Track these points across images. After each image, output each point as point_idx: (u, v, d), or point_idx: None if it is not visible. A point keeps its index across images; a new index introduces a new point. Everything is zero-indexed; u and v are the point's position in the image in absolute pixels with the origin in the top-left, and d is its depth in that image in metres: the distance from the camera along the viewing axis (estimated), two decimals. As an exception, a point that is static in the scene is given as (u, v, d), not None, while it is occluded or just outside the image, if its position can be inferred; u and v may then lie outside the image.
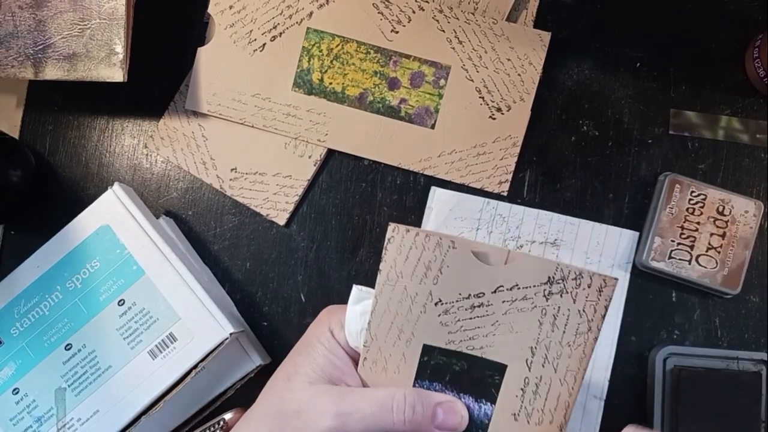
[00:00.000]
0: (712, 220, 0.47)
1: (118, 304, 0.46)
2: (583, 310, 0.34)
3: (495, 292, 0.34)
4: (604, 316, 0.33)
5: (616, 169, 0.49)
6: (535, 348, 0.34)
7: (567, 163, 0.50)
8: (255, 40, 0.50)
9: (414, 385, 0.35)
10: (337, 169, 0.51)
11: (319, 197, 0.51)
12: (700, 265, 0.47)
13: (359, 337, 0.36)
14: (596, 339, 0.34)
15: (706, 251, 0.47)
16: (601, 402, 0.47)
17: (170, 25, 0.52)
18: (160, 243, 0.46)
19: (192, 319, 0.44)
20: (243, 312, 0.50)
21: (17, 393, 0.45)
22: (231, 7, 0.50)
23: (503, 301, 0.34)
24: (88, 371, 0.45)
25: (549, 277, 0.34)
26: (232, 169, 0.51)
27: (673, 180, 0.47)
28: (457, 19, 0.49)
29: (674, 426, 0.44)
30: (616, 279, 0.33)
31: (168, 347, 0.44)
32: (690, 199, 0.47)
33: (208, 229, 0.52)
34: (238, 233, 0.51)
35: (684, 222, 0.47)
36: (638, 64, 0.50)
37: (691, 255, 0.47)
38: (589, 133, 0.50)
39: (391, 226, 0.34)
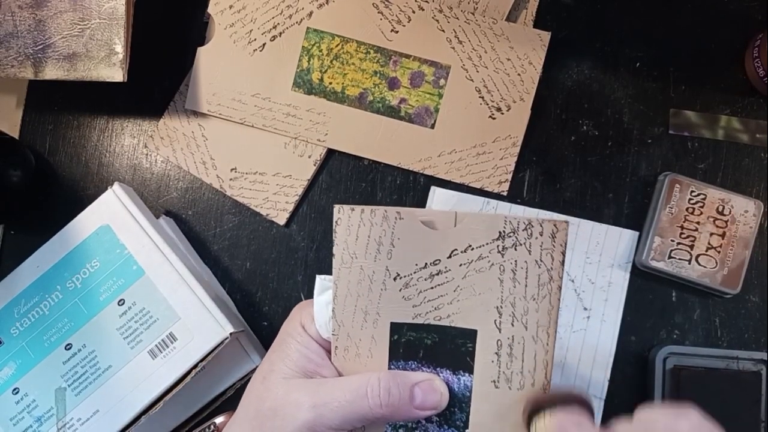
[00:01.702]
0: (711, 219, 0.47)
1: (118, 304, 0.46)
2: (541, 260, 0.33)
3: (450, 256, 0.33)
4: (563, 263, 0.33)
5: (616, 169, 0.49)
6: (501, 307, 0.33)
7: (567, 163, 0.50)
8: (255, 39, 0.50)
9: (390, 367, 0.34)
10: (337, 168, 0.51)
11: (319, 197, 0.51)
12: (699, 264, 0.47)
13: (329, 327, 0.36)
14: (560, 288, 0.33)
15: (706, 251, 0.47)
16: (601, 402, 0.47)
17: (170, 25, 0.52)
18: (160, 243, 0.46)
19: (192, 318, 0.44)
20: (243, 312, 0.50)
21: (17, 393, 0.45)
22: (231, 7, 0.50)
23: (460, 265, 0.33)
24: (88, 371, 0.45)
25: (500, 232, 0.33)
26: (232, 169, 0.51)
27: (672, 180, 0.47)
28: (457, 18, 0.49)
29: (674, 426, 0.45)
30: (567, 222, 0.32)
31: (168, 347, 0.44)
32: (690, 199, 0.47)
33: (208, 228, 0.52)
34: (238, 233, 0.51)
35: (684, 222, 0.47)
36: (638, 64, 0.50)
37: (691, 255, 0.47)
38: (589, 133, 0.50)
39: (336, 207, 0.34)
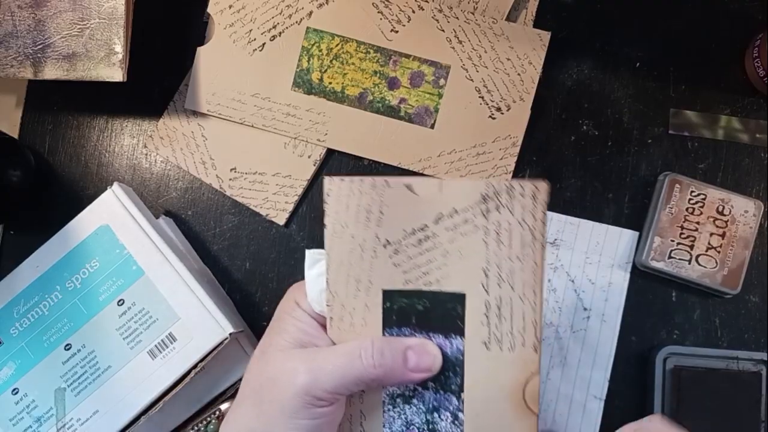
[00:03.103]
0: (711, 219, 0.47)
1: (118, 304, 0.46)
2: (524, 220, 0.33)
3: (437, 222, 0.34)
4: (545, 222, 0.33)
5: (616, 169, 0.49)
6: (487, 269, 0.34)
7: (567, 163, 0.50)
8: (254, 39, 0.50)
9: (384, 335, 0.35)
10: (336, 169, 0.51)
11: (319, 197, 0.51)
12: (699, 264, 0.47)
13: (322, 299, 0.36)
14: (543, 246, 0.33)
15: (706, 251, 0.47)
16: (601, 402, 0.47)
17: (170, 25, 0.52)
18: (160, 243, 0.46)
19: (191, 319, 0.44)
20: (242, 312, 0.50)
21: (17, 393, 0.45)
22: (230, 7, 0.50)
23: (446, 229, 0.34)
24: (88, 371, 0.45)
25: (483, 195, 0.33)
26: (231, 169, 0.51)
27: (672, 180, 0.47)
28: (457, 18, 0.49)
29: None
30: (548, 182, 0.33)
31: (167, 347, 0.44)
32: (690, 199, 0.47)
33: (208, 229, 0.52)
34: (237, 233, 0.51)
35: (684, 222, 0.47)
36: (638, 64, 0.50)
37: (691, 255, 0.47)
38: (589, 133, 0.50)
39: (326, 179, 0.34)
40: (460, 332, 0.34)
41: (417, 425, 0.36)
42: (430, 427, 0.35)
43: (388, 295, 0.35)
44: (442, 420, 0.35)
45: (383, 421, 0.36)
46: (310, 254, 0.37)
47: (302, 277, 0.50)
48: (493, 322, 0.34)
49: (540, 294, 0.34)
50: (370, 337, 0.35)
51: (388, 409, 0.36)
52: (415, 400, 0.35)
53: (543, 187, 0.33)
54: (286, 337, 0.36)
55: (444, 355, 0.35)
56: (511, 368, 0.34)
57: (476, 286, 0.34)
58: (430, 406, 0.35)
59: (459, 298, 0.34)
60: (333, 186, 0.34)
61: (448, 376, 0.35)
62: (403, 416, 0.36)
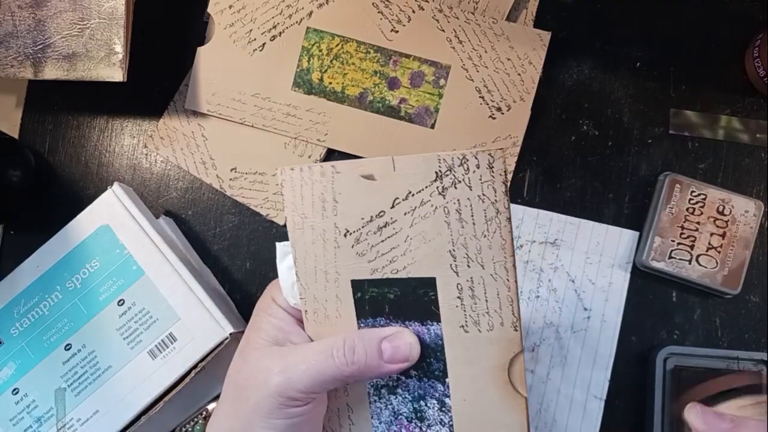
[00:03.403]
0: (712, 219, 0.47)
1: (118, 304, 0.46)
2: (483, 194, 0.31)
3: (393, 206, 0.32)
4: (506, 193, 0.31)
5: (616, 169, 0.49)
6: (454, 250, 0.32)
7: (567, 163, 0.50)
8: (255, 39, 0.50)
9: (359, 326, 0.34)
10: (336, 168, 0.51)
11: (319, 197, 0.51)
12: (700, 265, 0.46)
13: (295, 292, 0.36)
14: (509, 219, 0.31)
15: (707, 251, 0.47)
16: (601, 402, 0.47)
17: (170, 25, 0.52)
18: (160, 243, 0.46)
19: (192, 319, 0.44)
20: (243, 312, 0.50)
21: (17, 393, 0.45)
22: (231, 7, 0.50)
23: (405, 213, 0.32)
24: (88, 371, 0.45)
25: (436, 172, 0.31)
26: (231, 169, 0.51)
27: (673, 180, 0.47)
28: (457, 18, 0.49)
29: (674, 426, 0.45)
30: (502, 149, 0.31)
31: (168, 347, 0.44)
32: (690, 199, 0.47)
33: (208, 229, 0.52)
34: (237, 233, 0.51)
35: (684, 222, 0.47)
36: (638, 64, 0.50)
37: (692, 255, 0.47)
38: (589, 133, 0.50)
39: (278, 169, 0.34)
40: (437, 318, 0.33)
41: (405, 414, 0.35)
42: (419, 415, 0.35)
43: (357, 285, 0.34)
44: (429, 408, 0.34)
45: (371, 413, 0.35)
46: (280, 247, 0.37)
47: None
48: (468, 304, 0.33)
49: (512, 270, 0.32)
50: (342, 334, 0.34)
51: (374, 401, 0.35)
52: (399, 390, 0.35)
53: (498, 154, 0.31)
54: (261, 334, 0.35)
55: (423, 342, 0.34)
56: (493, 350, 0.33)
57: (445, 269, 0.33)
58: (416, 394, 0.35)
59: (430, 283, 0.33)
60: (285, 176, 0.34)
61: (430, 363, 0.34)
62: (390, 407, 0.35)
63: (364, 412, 0.35)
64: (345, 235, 0.33)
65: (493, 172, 0.31)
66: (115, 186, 0.48)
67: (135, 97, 0.52)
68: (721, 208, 0.47)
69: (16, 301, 0.47)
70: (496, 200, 0.31)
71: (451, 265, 0.32)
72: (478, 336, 0.33)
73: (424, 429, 0.35)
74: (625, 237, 0.48)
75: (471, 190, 0.31)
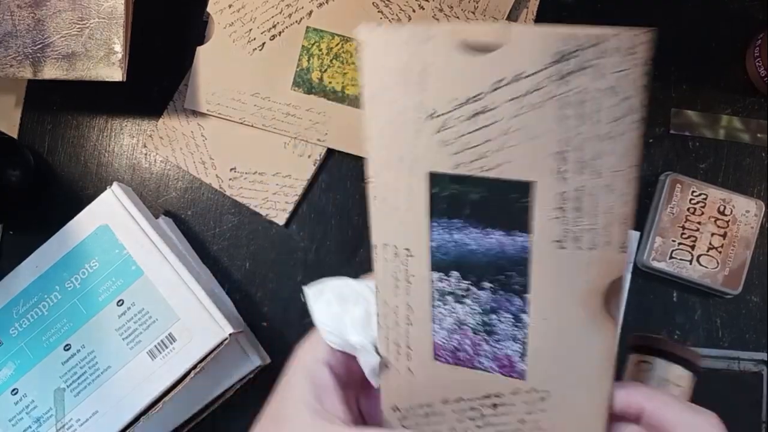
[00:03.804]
0: (713, 219, 0.47)
1: (117, 305, 0.45)
2: (617, 86, 0.26)
3: (496, 89, 0.27)
4: (645, 87, 0.25)
5: (617, 169, 0.49)
6: (566, 152, 0.27)
7: (567, 163, 0.50)
8: (254, 39, 0.50)
9: (432, 226, 0.30)
10: (336, 168, 0.51)
11: (319, 197, 0.51)
12: (701, 265, 0.46)
13: (338, 328, 0.33)
14: (643, 120, 0.26)
15: (707, 251, 0.46)
16: (601, 402, 0.47)
17: (169, 24, 0.52)
18: (159, 243, 0.46)
19: (191, 319, 0.44)
20: (242, 312, 0.50)
21: (16, 393, 0.45)
22: (230, 6, 0.50)
23: (509, 100, 0.27)
24: (87, 372, 0.45)
25: (560, 52, 0.25)
26: (231, 169, 0.51)
27: (673, 180, 0.47)
28: (458, 18, 0.49)
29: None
30: (650, 31, 0.25)
31: (167, 348, 0.44)
32: (691, 199, 0.47)
33: (208, 229, 0.51)
34: (237, 233, 0.51)
35: (685, 222, 0.47)
36: (639, 64, 0.50)
37: (692, 255, 0.46)
38: (590, 133, 0.50)
39: (361, 26, 0.28)
40: (526, 228, 0.28)
41: (471, 326, 0.31)
42: (487, 328, 0.31)
43: (436, 179, 0.29)
44: (501, 321, 0.30)
45: (432, 317, 0.31)
46: (309, 290, 0.34)
47: (302, 278, 0.50)
48: (571, 217, 0.28)
49: (634, 183, 0.27)
50: None
51: (438, 305, 0.31)
52: (468, 300, 0.31)
53: (645, 38, 0.25)
54: (303, 409, 0.32)
55: (505, 253, 0.29)
56: (590, 270, 0.28)
57: (549, 174, 0.27)
58: (487, 307, 0.30)
59: (525, 188, 0.28)
60: (369, 36, 0.28)
61: (511, 276, 0.30)
62: (453, 315, 0.31)
63: (425, 315, 0.32)
64: (430, 118, 0.28)
65: (634, 58, 0.25)
66: (115, 186, 0.48)
67: (134, 97, 0.52)
68: (721, 208, 0.47)
69: (15, 301, 0.47)
70: (630, 95, 0.25)
71: (559, 169, 0.27)
72: (576, 254, 0.28)
73: (491, 342, 0.31)
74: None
75: (602, 78, 0.25)
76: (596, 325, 0.29)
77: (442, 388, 0.32)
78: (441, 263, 0.31)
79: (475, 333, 0.31)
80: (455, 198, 0.29)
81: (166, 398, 0.43)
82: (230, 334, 0.43)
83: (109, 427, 0.44)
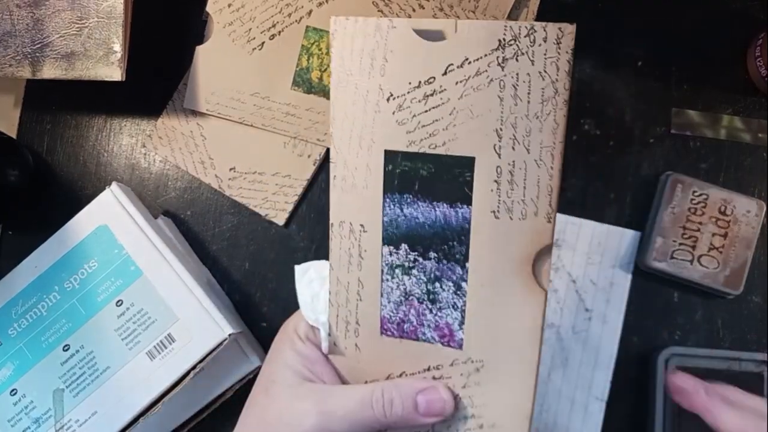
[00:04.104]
0: (714, 220, 0.46)
1: (116, 305, 0.45)
2: (545, 71, 0.29)
3: (446, 73, 0.31)
4: (569, 73, 0.29)
5: (618, 169, 0.49)
6: (501, 129, 0.30)
7: (568, 163, 0.49)
8: (254, 38, 0.50)
9: (384, 200, 0.33)
10: (336, 168, 0.51)
11: (319, 197, 0.51)
12: (702, 265, 0.46)
13: (315, 306, 0.35)
14: (566, 102, 0.30)
15: (708, 251, 0.46)
16: (602, 403, 0.47)
17: (169, 24, 0.52)
18: (159, 243, 0.46)
19: (190, 319, 0.44)
20: (242, 313, 0.50)
21: (15, 394, 0.45)
22: (230, 6, 0.50)
23: (456, 83, 0.30)
24: (86, 372, 0.45)
25: (500, 41, 0.29)
26: (230, 169, 0.51)
27: (674, 180, 0.47)
28: (458, 17, 0.49)
29: (676, 427, 0.44)
30: (573, 24, 0.29)
31: (166, 348, 0.44)
32: (692, 199, 0.47)
33: (207, 229, 0.51)
34: (236, 233, 0.51)
35: (686, 222, 0.46)
36: (639, 63, 0.50)
37: (693, 255, 0.46)
38: (591, 133, 0.50)
39: (333, 18, 0.32)
40: (467, 200, 0.32)
41: (416, 295, 0.34)
42: (431, 297, 0.34)
43: (390, 156, 0.32)
44: (443, 290, 0.33)
45: (381, 291, 0.34)
46: (298, 267, 0.36)
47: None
48: (504, 189, 0.31)
49: (559, 157, 0.30)
50: (380, 384, 0.34)
51: (386, 279, 0.34)
52: (415, 271, 0.34)
53: (569, 30, 0.29)
54: (288, 372, 0.35)
55: (448, 224, 0.32)
56: (521, 239, 0.31)
57: (487, 150, 0.31)
58: (432, 275, 0.33)
59: (468, 163, 0.31)
60: (338, 26, 0.32)
61: (453, 246, 0.33)
62: (402, 287, 0.34)
63: (374, 290, 0.34)
64: (388, 100, 0.32)
65: (560, 48, 0.29)
66: (114, 186, 0.48)
67: (133, 97, 0.52)
68: (722, 208, 0.46)
69: (14, 301, 0.47)
70: (557, 79, 0.29)
71: (495, 145, 0.31)
72: (509, 224, 0.31)
73: (434, 311, 0.34)
74: (627, 237, 0.48)
75: (533, 64, 0.29)
76: (527, 293, 0.32)
77: (388, 363, 0.35)
78: (392, 237, 0.33)
79: (420, 302, 0.34)
80: (406, 174, 0.32)
81: (166, 398, 0.43)
82: (230, 335, 0.43)
83: (109, 427, 0.44)
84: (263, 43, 0.50)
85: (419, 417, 0.33)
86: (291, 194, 0.50)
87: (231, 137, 0.51)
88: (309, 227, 0.51)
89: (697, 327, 0.48)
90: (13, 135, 0.53)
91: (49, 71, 0.47)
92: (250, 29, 0.50)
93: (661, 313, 0.48)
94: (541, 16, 0.50)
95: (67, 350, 0.45)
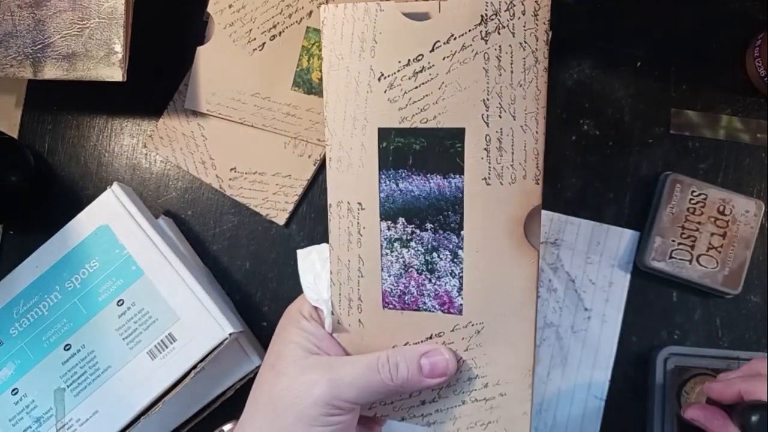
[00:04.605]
0: (712, 219, 0.47)
1: (117, 305, 0.45)
2: (525, 42, 0.31)
3: (433, 50, 0.33)
4: (547, 42, 0.31)
5: (617, 169, 0.49)
6: (488, 99, 0.32)
7: (567, 163, 0.50)
8: (254, 39, 0.50)
9: (380, 176, 0.34)
10: (336, 168, 0.51)
11: (319, 197, 0.51)
12: (700, 265, 0.46)
13: (317, 286, 0.36)
14: (546, 69, 0.32)
15: (707, 251, 0.46)
16: (601, 402, 0.47)
17: (169, 24, 0.52)
18: (160, 243, 0.46)
19: (191, 319, 0.44)
20: (242, 312, 0.50)
21: (16, 393, 0.45)
22: (230, 6, 0.50)
23: (443, 58, 0.32)
24: (88, 371, 0.45)
25: (482, 16, 0.32)
26: (231, 169, 0.51)
27: (674, 179, 0.47)
28: None
29: (675, 426, 0.44)
30: None
31: (167, 347, 0.44)
32: (691, 199, 0.47)
33: (208, 229, 0.51)
34: (237, 233, 0.51)
35: (685, 222, 0.47)
36: (639, 64, 0.50)
37: (692, 255, 0.46)
38: (590, 133, 0.50)
39: (322, 7, 0.34)
40: (459, 170, 0.33)
41: (415, 267, 0.35)
42: (429, 267, 0.35)
43: (383, 133, 0.34)
44: (441, 259, 0.35)
45: (381, 265, 0.35)
46: (300, 252, 0.38)
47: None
48: (494, 156, 0.33)
49: (542, 122, 0.32)
50: (385, 351, 0.35)
51: (386, 254, 0.35)
52: (413, 243, 0.35)
53: (544, 2, 0.31)
54: (294, 347, 0.36)
55: (443, 195, 0.34)
56: (512, 202, 0.33)
57: (476, 120, 0.33)
58: (429, 246, 0.35)
59: (458, 134, 0.33)
60: (327, 13, 0.34)
61: (448, 216, 0.34)
62: (401, 260, 0.35)
63: (374, 265, 0.36)
64: (379, 79, 0.33)
65: (537, 20, 0.31)
66: (115, 186, 0.48)
67: (134, 97, 0.52)
68: (721, 208, 0.47)
69: (16, 301, 0.47)
70: (536, 48, 0.31)
71: (483, 115, 0.32)
72: (499, 189, 0.33)
73: (433, 280, 0.35)
74: (626, 237, 0.48)
75: (514, 36, 0.31)
76: (521, 254, 0.33)
77: (391, 335, 0.36)
78: (389, 212, 0.35)
79: (419, 273, 0.35)
80: (400, 150, 0.34)
81: (167, 397, 0.44)
82: (230, 334, 0.43)
83: (109, 427, 0.44)
84: (264, 43, 0.50)
85: (424, 379, 0.34)
86: (291, 194, 0.50)
87: (232, 137, 0.51)
88: (309, 227, 0.51)
89: (696, 326, 0.48)
90: (15, 135, 0.53)
91: (51, 72, 0.47)
92: (250, 30, 0.50)
93: (660, 312, 0.48)
94: (541, 16, 0.50)
95: (68, 350, 0.45)
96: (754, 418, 0.34)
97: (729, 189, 0.47)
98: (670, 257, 0.47)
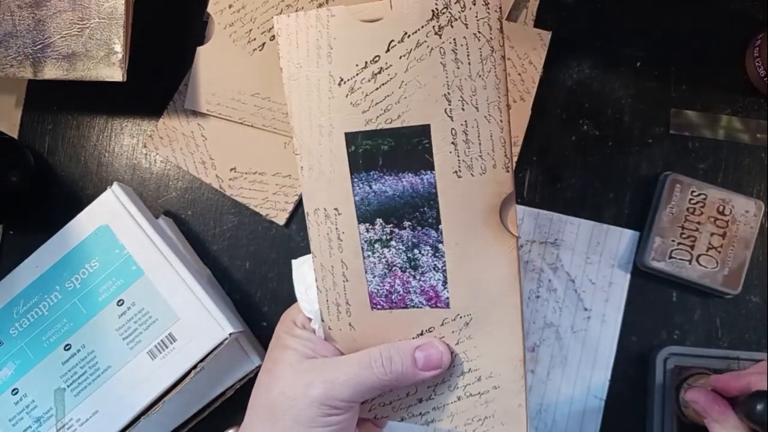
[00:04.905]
0: (712, 219, 0.47)
1: (118, 305, 0.45)
2: (479, 32, 0.31)
3: (388, 50, 0.32)
4: (501, 30, 0.31)
5: (617, 169, 0.49)
6: (449, 93, 0.32)
7: (567, 163, 0.50)
8: (254, 39, 0.50)
9: (352, 180, 0.34)
10: (336, 168, 0.51)
11: (319, 197, 0.51)
12: (700, 265, 0.46)
13: (309, 296, 0.36)
14: (503, 57, 0.31)
15: (707, 251, 0.46)
16: (601, 402, 0.47)
17: (169, 25, 0.52)
18: (160, 243, 0.46)
19: (191, 319, 0.44)
20: (242, 312, 0.50)
21: (16, 393, 0.45)
22: (230, 6, 0.50)
23: (400, 57, 0.32)
24: (88, 371, 0.45)
25: (433, 11, 0.32)
26: (231, 169, 0.51)
27: (673, 180, 0.47)
28: None
29: (675, 426, 0.44)
30: None
31: (167, 347, 0.44)
32: (690, 199, 0.47)
33: (208, 229, 0.52)
34: (237, 233, 0.51)
35: (684, 222, 0.47)
36: (639, 64, 0.50)
37: (692, 255, 0.46)
38: (590, 133, 0.50)
39: (275, 18, 0.34)
40: (430, 166, 0.33)
41: (399, 265, 0.35)
42: (412, 264, 0.35)
43: (350, 138, 0.34)
44: (422, 255, 0.35)
45: (365, 268, 0.36)
46: (295, 261, 0.38)
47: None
48: (462, 149, 0.33)
49: (506, 110, 0.32)
50: (378, 347, 0.35)
51: (368, 255, 0.35)
52: (393, 242, 0.35)
53: None
54: (290, 353, 0.36)
55: (416, 192, 0.34)
56: (485, 192, 0.33)
57: (440, 115, 0.33)
58: (409, 243, 0.35)
59: (424, 131, 0.33)
60: (281, 24, 0.34)
61: (424, 212, 0.34)
62: (383, 260, 0.35)
63: (358, 267, 0.36)
64: (339, 84, 0.33)
65: (488, 8, 0.31)
66: (115, 186, 0.48)
67: (134, 97, 0.52)
68: (721, 208, 0.47)
69: (16, 301, 0.47)
70: (491, 37, 0.31)
71: (446, 109, 0.33)
72: (471, 180, 0.33)
73: (417, 276, 0.35)
74: (626, 237, 0.48)
75: (467, 27, 0.31)
76: (500, 242, 0.33)
77: (382, 334, 0.36)
78: (366, 215, 0.35)
79: (402, 271, 0.35)
80: (369, 152, 0.34)
81: (167, 397, 0.44)
82: (230, 334, 0.43)
83: (109, 427, 0.44)
84: (264, 44, 0.50)
85: (419, 372, 0.34)
86: (291, 194, 0.50)
87: (232, 137, 0.51)
88: (309, 227, 0.51)
89: (696, 326, 0.48)
90: (15, 135, 0.53)
91: (51, 72, 0.47)
92: (250, 30, 0.50)
93: (659, 312, 0.48)
94: (541, 16, 0.50)
95: (68, 350, 0.45)
96: (759, 406, 0.34)
97: (729, 189, 0.47)
98: (670, 257, 0.47)
